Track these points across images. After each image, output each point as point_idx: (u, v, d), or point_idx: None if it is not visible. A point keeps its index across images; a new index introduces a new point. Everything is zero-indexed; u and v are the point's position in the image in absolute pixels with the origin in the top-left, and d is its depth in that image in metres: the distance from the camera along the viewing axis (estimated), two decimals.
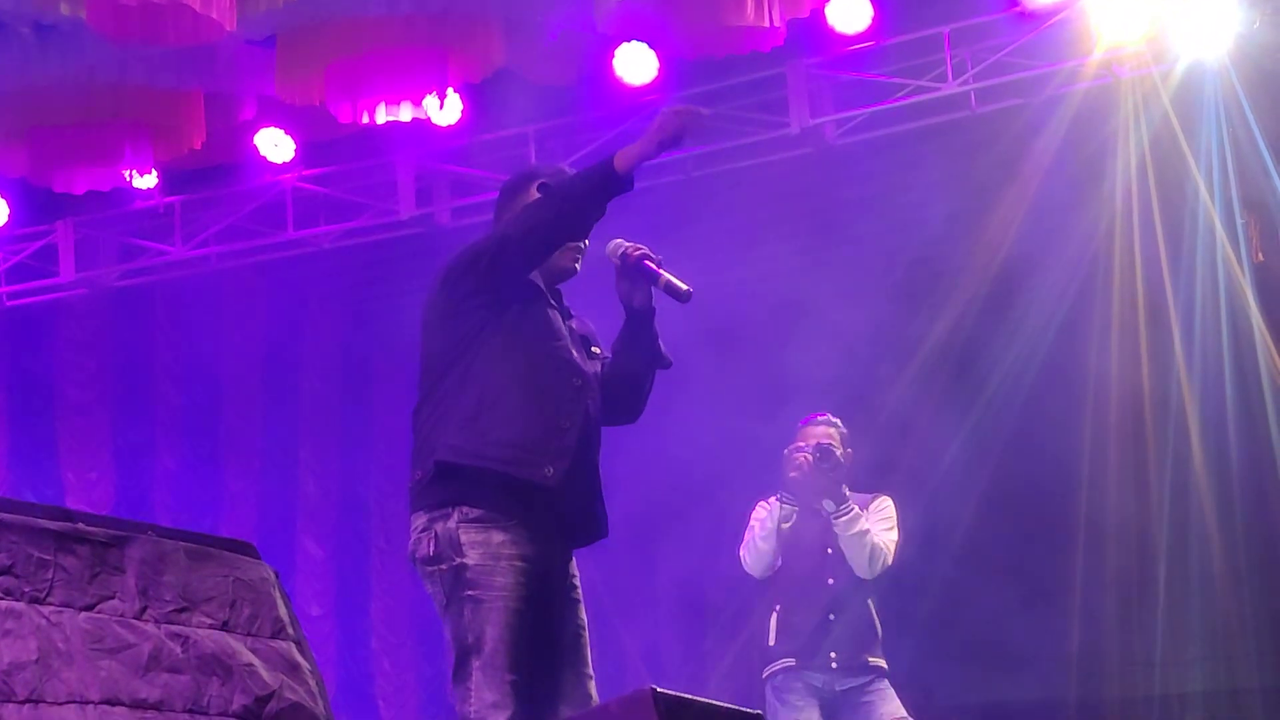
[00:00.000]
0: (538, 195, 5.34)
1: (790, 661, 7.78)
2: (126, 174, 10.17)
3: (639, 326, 5.50)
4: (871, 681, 7.84)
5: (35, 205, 10.70)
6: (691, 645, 13.82)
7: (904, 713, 7.80)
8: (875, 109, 9.65)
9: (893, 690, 7.86)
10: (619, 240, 5.44)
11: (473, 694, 5.02)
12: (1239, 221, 9.33)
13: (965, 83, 9.36)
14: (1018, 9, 9.10)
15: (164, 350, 11.58)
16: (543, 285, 5.36)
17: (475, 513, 5.11)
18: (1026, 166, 10.08)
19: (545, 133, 10.05)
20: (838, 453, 7.82)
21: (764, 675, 7.90)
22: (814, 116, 9.65)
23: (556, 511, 5.22)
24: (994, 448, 11.65)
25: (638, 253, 5.40)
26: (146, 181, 10.29)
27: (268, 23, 8.87)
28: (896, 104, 9.57)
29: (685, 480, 12.50)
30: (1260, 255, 8.01)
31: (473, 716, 5.01)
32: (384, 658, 12.39)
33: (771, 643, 7.87)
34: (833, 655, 7.77)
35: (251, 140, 10.06)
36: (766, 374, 12.22)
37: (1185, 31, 8.72)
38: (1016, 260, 11.01)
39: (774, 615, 7.90)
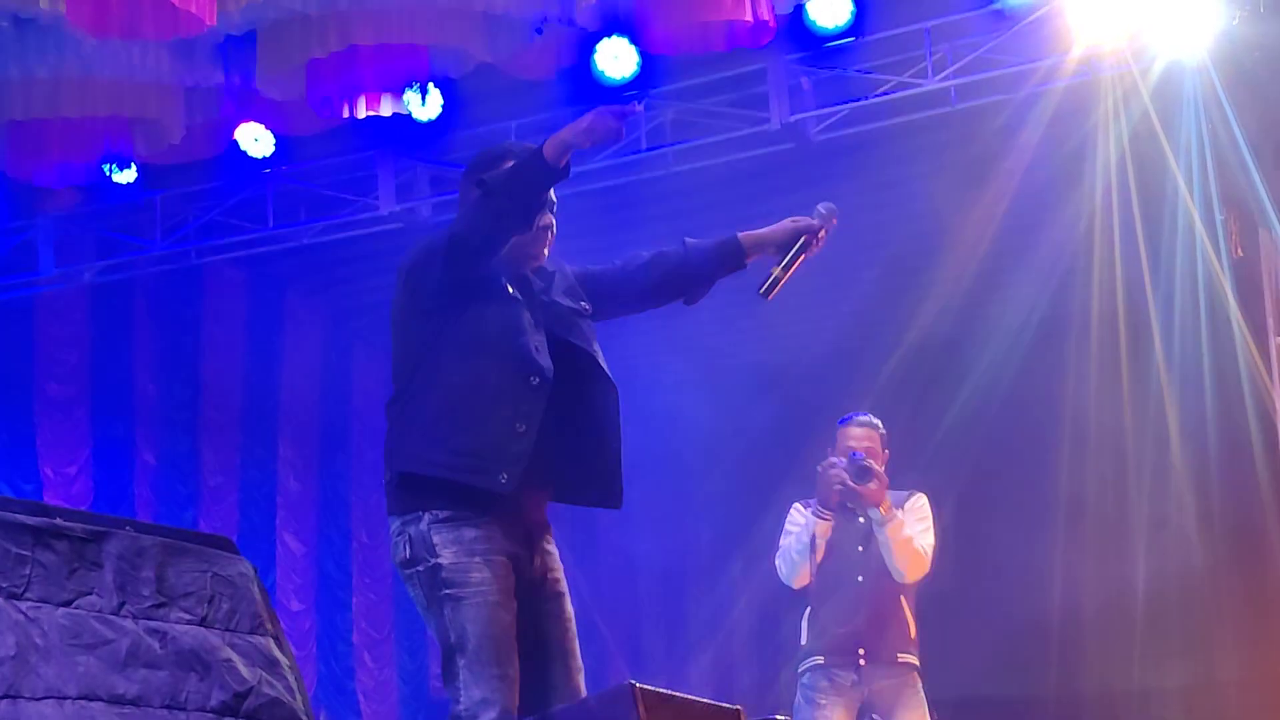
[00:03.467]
0: (476, 192, 5.31)
1: (819, 659, 7.79)
2: (106, 168, 10.17)
3: (728, 264, 5.52)
4: (903, 681, 7.83)
5: (14, 200, 10.68)
6: (673, 641, 13.84)
7: None
8: (855, 105, 9.67)
9: (922, 694, 7.84)
10: (830, 208, 5.50)
11: (461, 692, 5.02)
12: (1218, 218, 9.34)
13: (945, 79, 9.38)
14: (997, 6, 9.11)
15: (144, 345, 11.56)
16: (508, 275, 5.33)
17: (444, 514, 5.11)
18: (1008, 163, 10.09)
19: (526, 128, 10.04)
20: (876, 466, 7.79)
21: (798, 672, 7.90)
22: (794, 112, 9.67)
23: (522, 510, 5.22)
24: (975, 442, 11.68)
25: (821, 238, 5.43)
26: (126, 176, 10.28)
27: (248, 17, 8.86)
28: (877, 100, 9.58)
29: (670, 472, 12.52)
30: (1240, 251, 8.03)
31: (463, 714, 5.01)
32: (365, 652, 12.39)
33: (803, 642, 7.88)
34: (861, 652, 7.75)
35: (232, 135, 10.04)
36: (748, 368, 12.25)
37: (1165, 29, 8.73)
38: (998, 256, 11.04)
39: (805, 614, 7.90)
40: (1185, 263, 10.32)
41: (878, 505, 7.76)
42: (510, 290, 5.31)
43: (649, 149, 9.94)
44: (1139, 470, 11.47)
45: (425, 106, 9.63)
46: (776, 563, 7.94)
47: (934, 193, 10.63)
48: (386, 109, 9.22)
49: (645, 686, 4.33)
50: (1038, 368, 11.58)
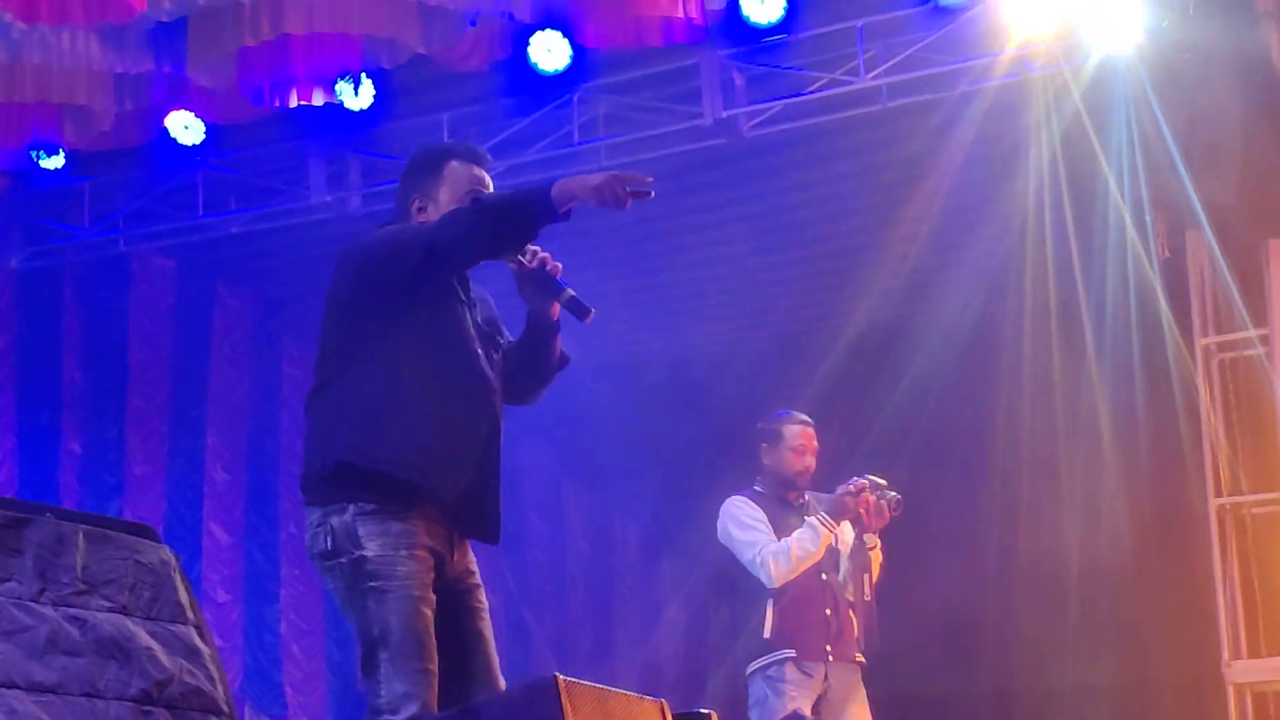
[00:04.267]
0: (469, 204, 5.25)
1: (791, 653, 7.84)
2: (34, 155, 10.09)
3: (546, 337, 5.47)
4: (856, 679, 7.97)
5: None
6: (600, 634, 13.84)
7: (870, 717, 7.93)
8: (788, 101, 9.68)
9: (864, 690, 7.99)
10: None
11: (382, 685, 4.99)
12: (1147, 218, 9.40)
13: (877, 77, 9.39)
14: (930, 4, 9.14)
15: (71, 333, 11.47)
16: (455, 279, 5.32)
17: (371, 506, 5.07)
18: (942, 161, 10.13)
19: (459, 119, 10.02)
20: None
21: (757, 665, 7.93)
22: (727, 108, 9.66)
23: (455, 512, 5.20)
24: (910, 439, 11.71)
25: (537, 260, 5.33)
26: (54, 162, 10.20)
27: (179, 4, 8.81)
28: (809, 97, 9.60)
29: (597, 469, 12.52)
30: (1167, 252, 8.09)
31: (384, 709, 4.98)
32: (293, 644, 12.34)
33: (768, 635, 7.91)
34: (828, 649, 7.85)
35: (162, 122, 9.97)
36: (679, 366, 12.26)
37: (1096, 29, 8.77)
38: (932, 254, 11.07)
39: (770, 608, 7.93)
40: (1116, 262, 10.37)
41: (873, 531, 7.94)
42: (462, 295, 5.30)
43: (581, 143, 9.93)
44: (1070, 463, 11.53)
45: (358, 97, 9.59)
46: (764, 560, 7.94)
47: (867, 190, 10.67)
48: (318, 98, 9.18)
49: (569, 679, 4.32)
50: (972, 366, 11.64)
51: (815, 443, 8.06)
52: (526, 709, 4.30)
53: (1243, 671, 8.28)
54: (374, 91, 9.70)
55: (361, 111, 9.74)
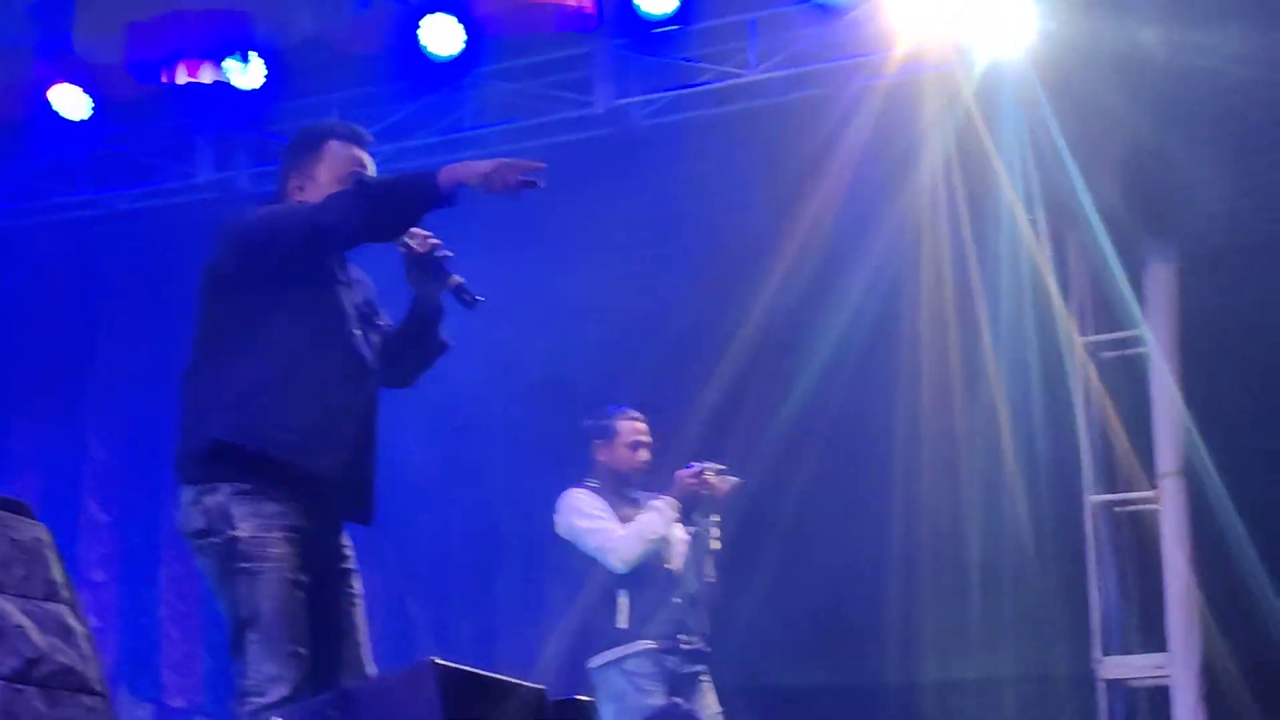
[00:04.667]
0: (353, 186, 5.22)
1: (650, 644, 7.89)
2: None
3: (429, 323, 5.45)
4: (705, 668, 7.97)
5: None
6: (482, 623, 13.81)
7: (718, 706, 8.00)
8: (679, 93, 9.68)
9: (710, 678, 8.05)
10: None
11: (251, 667, 4.98)
12: (1038, 219, 9.48)
13: (768, 70, 9.41)
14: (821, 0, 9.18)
15: None
16: (334, 260, 5.29)
17: (246, 486, 5.04)
18: (837, 159, 10.17)
19: (349, 101, 9.97)
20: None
21: (612, 658, 7.93)
22: (619, 98, 9.67)
23: (330, 493, 5.18)
24: (815, 437, 11.75)
25: (428, 244, 5.31)
26: None
27: None
28: (701, 89, 9.61)
29: (477, 459, 12.48)
30: (1055, 252, 8.18)
31: (252, 690, 4.96)
32: (171, 626, 12.23)
33: (622, 625, 7.92)
34: (681, 639, 7.88)
35: (45, 96, 9.85)
36: (562, 356, 12.22)
37: (986, 29, 8.83)
38: (827, 253, 11.10)
39: (622, 599, 7.95)
40: (1010, 261, 10.47)
41: (716, 512, 8.08)
42: (340, 276, 5.27)
43: (472, 129, 9.90)
44: (970, 459, 11.60)
45: (247, 75, 9.52)
46: (612, 547, 7.96)
47: (761, 186, 10.68)
48: (207, 76, 9.11)
49: (447, 664, 4.31)
50: (870, 363, 11.67)
51: (649, 437, 8.14)
52: (403, 694, 4.28)
53: (1114, 667, 8.39)
54: (265, 71, 9.63)
55: (252, 91, 9.68)
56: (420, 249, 5.28)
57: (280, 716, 4.81)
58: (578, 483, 8.20)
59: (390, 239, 5.25)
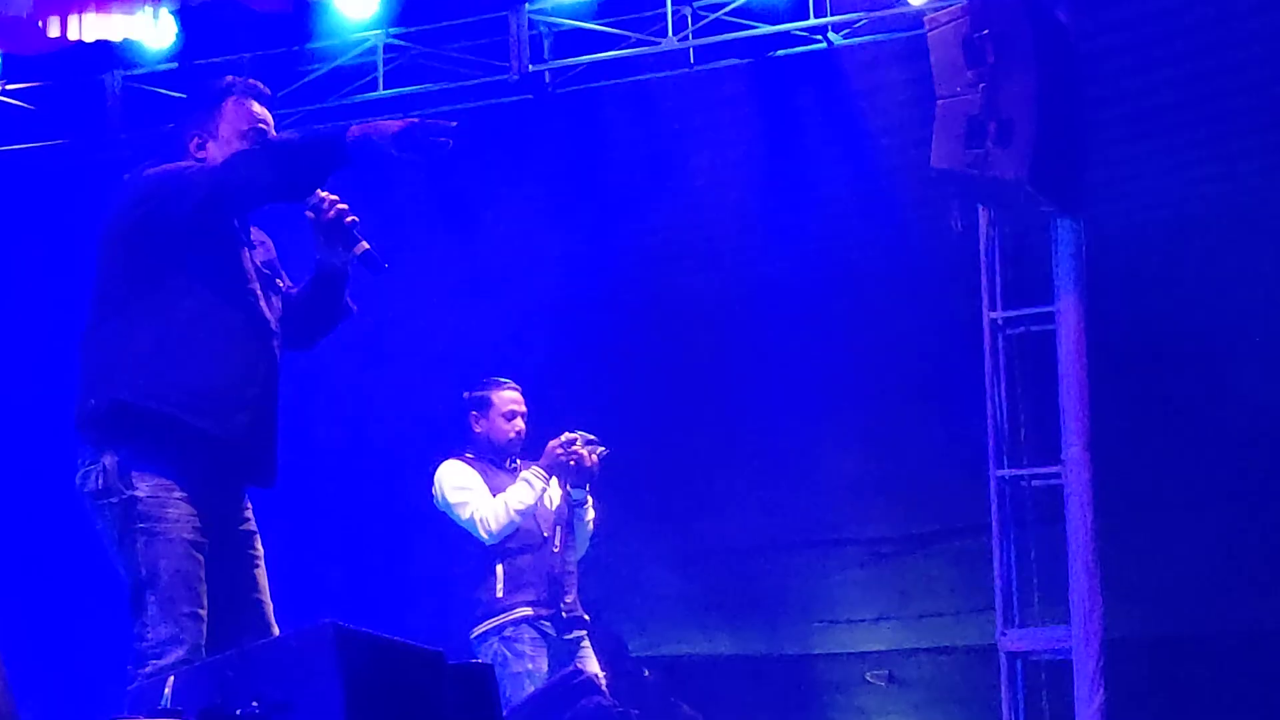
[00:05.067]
0: (257, 145, 5.15)
1: (526, 611, 7.92)
2: None
3: (334, 288, 5.41)
4: (585, 634, 8.04)
5: None
6: (391, 587, 13.77)
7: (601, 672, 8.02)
8: (595, 59, 9.65)
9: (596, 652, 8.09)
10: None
11: (149, 629, 4.94)
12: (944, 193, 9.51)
13: (684, 39, 9.39)
14: None
15: None
16: (236, 220, 5.23)
17: (145, 446, 5.00)
18: (748, 130, 10.19)
19: (261, 61, 9.89)
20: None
21: (489, 626, 7.95)
22: (535, 63, 9.63)
23: (232, 456, 5.14)
24: (718, 410, 11.77)
25: (336, 209, 5.25)
26: None
27: None
28: (617, 55, 9.58)
29: (389, 420, 12.43)
30: (959, 225, 8.22)
31: (150, 653, 4.93)
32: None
33: (499, 594, 7.94)
34: (560, 606, 7.94)
35: None
36: (468, 321, 12.18)
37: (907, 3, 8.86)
38: (739, 224, 11.12)
39: (499, 567, 7.97)
40: (919, 235, 10.52)
41: (583, 486, 8.08)
42: (242, 236, 5.22)
43: (386, 90, 9.84)
44: (876, 438, 11.63)
45: (157, 32, 9.42)
46: (481, 518, 7.98)
47: (674, 156, 10.68)
48: (117, 32, 9.01)
49: (345, 625, 4.30)
50: (776, 338, 11.68)
51: (524, 407, 8.17)
52: (301, 654, 4.27)
53: (1016, 640, 8.44)
54: (176, 29, 9.54)
55: (161, 48, 9.59)
56: (327, 214, 5.22)
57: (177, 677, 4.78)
58: (458, 454, 8.22)
59: (296, 199, 5.20)
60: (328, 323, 5.49)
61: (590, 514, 8.18)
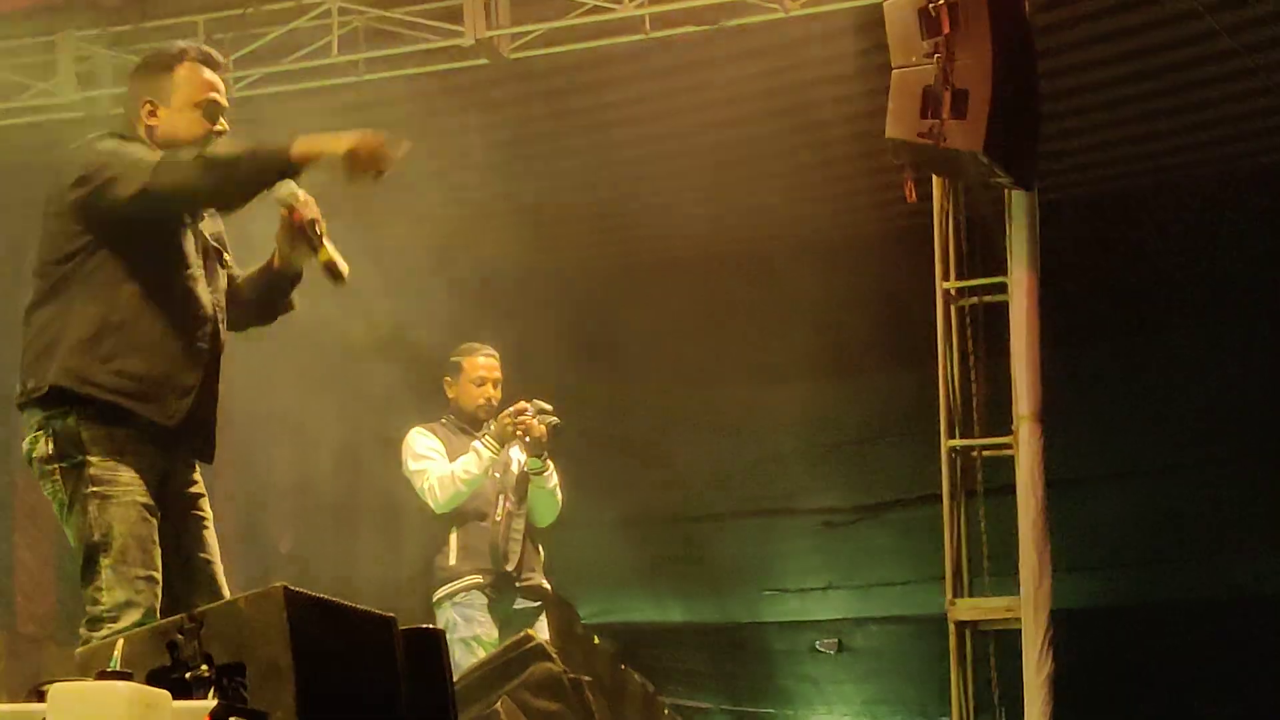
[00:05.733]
0: (195, 156, 5.05)
1: (478, 579, 7.93)
2: None
3: (285, 285, 5.40)
4: (541, 604, 8.08)
5: None
6: (343, 552, 13.78)
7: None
8: (552, 26, 9.62)
9: (550, 619, 8.10)
10: (294, 189, 5.13)
11: (104, 593, 4.93)
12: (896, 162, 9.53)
13: (641, 6, 9.37)
14: None
15: None
16: None
17: (91, 421, 5.00)
18: (704, 97, 10.18)
19: (215, 24, 9.84)
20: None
21: (443, 593, 7.97)
22: (489, 29, 9.59)
23: (173, 435, 5.13)
24: (674, 383, 11.79)
25: (307, 216, 5.20)
26: None
27: None
28: (572, 23, 9.55)
29: (343, 389, 12.42)
30: (914, 197, 8.22)
31: (104, 616, 4.91)
32: (26, 552, 12.12)
33: (452, 562, 7.96)
34: (510, 574, 7.96)
35: None
36: (426, 288, 12.16)
37: None
38: (693, 192, 11.12)
39: (453, 535, 7.99)
40: (873, 205, 10.53)
41: (539, 456, 8.05)
42: (185, 219, 5.18)
43: (339, 55, 9.78)
44: (829, 409, 11.64)
45: None
46: (430, 486, 8.00)
47: (628, 123, 10.67)
48: None
49: (296, 589, 4.29)
50: (731, 309, 11.71)
51: (497, 374, 8.17)
52: (251, 617, 4.26)
53: (965, 610, 8.48)
54: None
55: (116, 7, 9.53)
56: (297, 219, 5.18)
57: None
58: (429, 420, 8.22)
59: (228, 211, 5.19)
60: (269, 316, 5.49)
61: (551, 483, 8.16)
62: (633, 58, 9.87)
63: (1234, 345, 11.05)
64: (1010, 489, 8.37)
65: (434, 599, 8.04)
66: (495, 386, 8.18)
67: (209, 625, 4.26)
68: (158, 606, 4.95)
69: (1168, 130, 10.57)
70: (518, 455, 8.08)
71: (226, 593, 5.16)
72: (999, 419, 8.55)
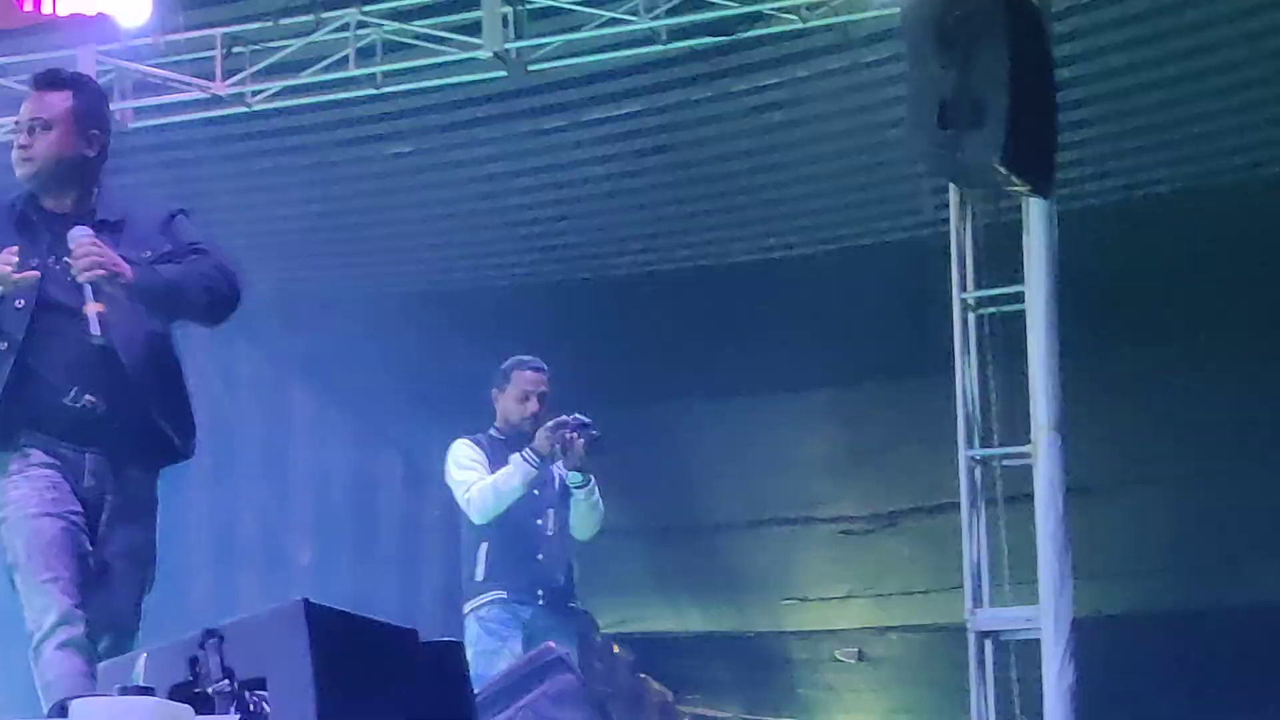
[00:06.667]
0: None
1: (501, 594, 7.92)
2: None
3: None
4: (569, 621, 8.08)
5: None
6: (361, 565, 13.79)
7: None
8: (571, 38, 9.60)
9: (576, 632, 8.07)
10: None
11: (27, 609, 5.08)
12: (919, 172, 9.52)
13: (656, 18, 9.36)
14: None
15: None
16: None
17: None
18: (725, 107, 10.18)
19: (234, 37, 9.86)
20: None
21: (471, 605, 7.98)
22: (508, 41, 9.57)
23: (103, 444, 5.21)
24: (692, 393, 11.76)
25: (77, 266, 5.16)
26: None
27: None
28: (592, 35, 9.54)
29: (360, 402, 12.43)
30: (930, 205, 8.22)
31: (33, 627, 5.06)
32: None
33: (480, 577, 7.97)
34: (540, 593, 7.93)
35: None
36: (455, 301, 12.17)
37: None
38: (712, 202, 11.11)
39: (483, 550, 7.99)
40: (892, 215, 10.52)
41: (579, 470, 8.02)
42: (37, 263, 5.22)
43: (357, 69, 9.77)
44: (844, 422, 11.62)
45: (132, 7, 9.38)
46: (471, 497, 8.00)
47: (651, 134, 10.66)
48: (90, 6, 8.97)
49: (316, 603, 4.30)
50: (759, 309, 11.68)
51: (543, 388, 8.15)
52: (273, 633, 4.28)
53: (985, 620, 8.45)
54: (150, 3, 9.50)
55: (135, 23, 9.54)
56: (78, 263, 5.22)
57: (64, 646, 4.87)
58: (473, 432, 8.23)
59: None
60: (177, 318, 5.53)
61: (593, 497, 8.13)
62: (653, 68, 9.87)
63: (1258, 352, 11.02)
64: (1029, 497, 8.35)
65: (464, 610, 8.05)
66: (540, 401, 8.17)
67: (230, 640, 4.27)
68: (72, 603, 5.02)
69: (1187, 137, 10.55)
70: (559, 469, 8.08)
71: (139, 600, 5.26)
72: (1018, 428, 8.53)
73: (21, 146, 5.28)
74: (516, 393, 8.17)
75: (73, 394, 5.20)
